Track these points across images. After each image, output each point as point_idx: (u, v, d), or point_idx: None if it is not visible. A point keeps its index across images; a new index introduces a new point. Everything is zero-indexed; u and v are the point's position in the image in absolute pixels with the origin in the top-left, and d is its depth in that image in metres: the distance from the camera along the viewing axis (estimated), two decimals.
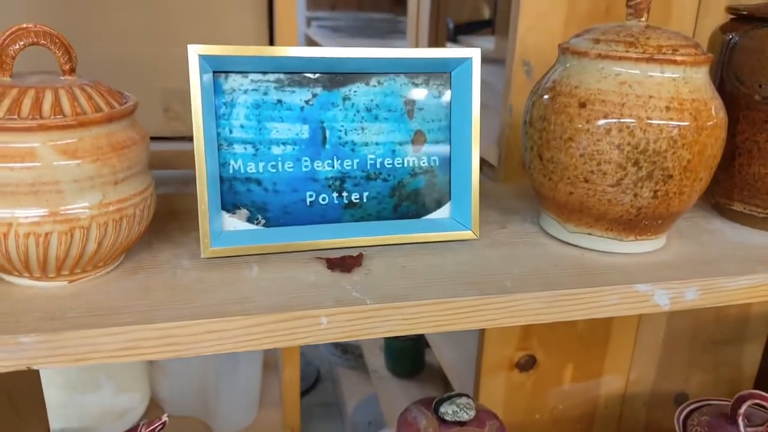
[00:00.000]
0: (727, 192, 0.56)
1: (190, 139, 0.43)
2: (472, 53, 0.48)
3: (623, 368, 0.89)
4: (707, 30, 0.68)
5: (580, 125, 0.45)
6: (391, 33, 1.91)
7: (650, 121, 0.44)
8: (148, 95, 0.70)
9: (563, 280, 0.45)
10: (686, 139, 0.44)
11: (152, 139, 0.44)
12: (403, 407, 0.69)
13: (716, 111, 0.46)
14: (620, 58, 0.45)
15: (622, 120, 0.44)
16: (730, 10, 0.55)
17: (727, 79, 0.54)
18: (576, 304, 0.44)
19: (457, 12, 1.57)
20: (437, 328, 0.42)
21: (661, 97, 0.44)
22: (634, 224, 0.48)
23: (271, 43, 0.71)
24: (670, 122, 0.44)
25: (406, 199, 0.50)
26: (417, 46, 1.58)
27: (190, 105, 0.43)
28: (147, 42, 0.69)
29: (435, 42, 1.54)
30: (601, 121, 0.45)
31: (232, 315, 0.38)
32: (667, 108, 0.44)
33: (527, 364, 0.85)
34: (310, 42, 2.15)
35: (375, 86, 0.48)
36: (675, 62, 0.44)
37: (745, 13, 0.53)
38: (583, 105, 0.45)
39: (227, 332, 0.38)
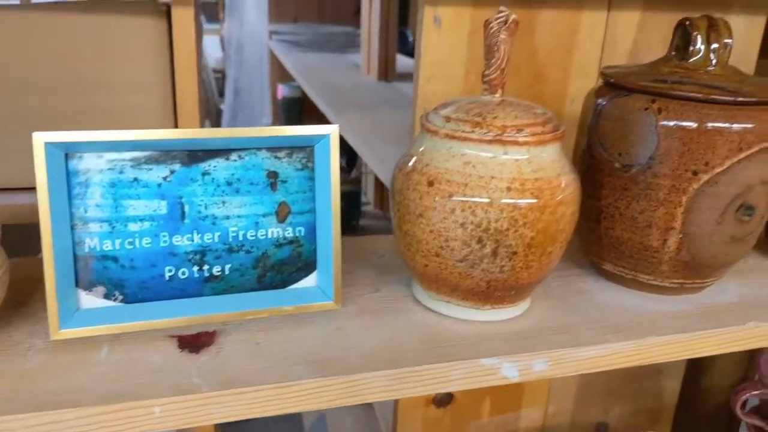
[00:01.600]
0: (597, 252, 0.57)
1: None
2: (331, 129, 0.49)
3: (541, 401, 0.91)
4: None
5: (428, 203, 0.46)
6: (350, 47, 1.92)
7: (492, 201, 0.45)
8: None
9: (412, 355, 0.46)
10: (528, 218, 0.45)
11: None
12: None
13: (564, 186, 0.47)
14: (465, 139, 0.46)
15: (465, 200, 0.45)
16: (602, 74, 0.56)
17: (593, 144, 0.55)
18: (421, 381, 0.45)
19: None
20: (278, 411, 0.43)
21: (502, 177, 0.45)
22: (488, 295, 0.49)
23: (174, 87, 0.72)
24: (511, 202, 0.45)
25: (270, 270, 0.51)
26: (369, 59, 1.59)
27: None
28: (47, 93, 0.69)
29: (386, 54, 1.54)
30: (447, 200, 0.46)
31: (65, 407, 0.39)
32: (508, 188, 0.45)
33: (444, 400, 0.86)
34: (273, 56, 2.16)
35: (236, 161, 0.49)
36: (518, 143, 0.45)
37: (612, 80, 0.54)
38: (431, 183, 0.46)
39: (59, 424, 0.39)
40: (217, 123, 2.88)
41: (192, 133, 0.47)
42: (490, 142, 0.45)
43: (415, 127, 0.73)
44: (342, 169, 1.51)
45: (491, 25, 0.48)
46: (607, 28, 0.76)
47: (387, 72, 1.53)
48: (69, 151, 0.45)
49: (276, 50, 2.00)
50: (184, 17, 0.69)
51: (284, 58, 1.85)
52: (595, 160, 0.54)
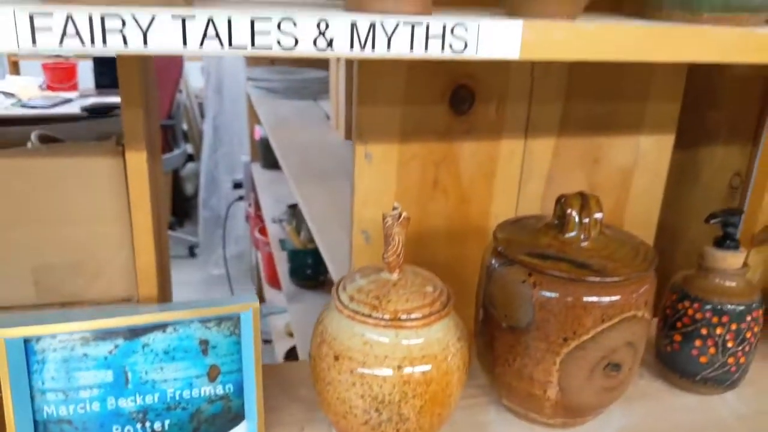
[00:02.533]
0: (497, 389, 0.65)
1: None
2: (253, 305, 0.57)
3: None
4: None
5: (334, 375, 0.55)
6: (324, 93, 1.99)
7: (386, 377, 0.53)
8: (20, 272, 0.78)
9: None
10: (417, 390, 0.54)
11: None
12: None
13: (451, 358, 0.55)
14: (364, 322, 0.54)
15: (364, 375, 0.53)
16: (494, 236, 0.64)
17: (486, 302, 0.63)
18: None
19: None
20: None
21: (395, 356, 0.53)
22: None
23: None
24: (403, 376, 0.53)
25: (204, 423, 0.59)
26: (337, 114, 1.66)
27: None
28: (13, 226, 0.77)
29: (350, 114, 1.62)
30: (349, 375, 0.54)
31: None
32: (399, 366, 0.53)
33: None
34: (249, 101, 2.23)
35: (171, 333, 0.57)
36: (408, 327, 0.54)
37: (499, 248, 0.62)
38: (336, 358, 0.55)
39: None
40: (198, 146, 2.95)
41: (133, 320, 0.55)
42: (384, 326, 0.53)
43: (354, 244, 0.81)
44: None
45: (387, 219, 0.56)
46: (525, 153, 0.84)
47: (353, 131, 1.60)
48: (27, 335, 0.53)
49: (253, 96, 2.07)
50: (136, 158, 0.77)
51: (258, 106, 1.93)
52: (488, 315, 0.62)
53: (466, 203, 0.84)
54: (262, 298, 2.25)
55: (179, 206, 3.07)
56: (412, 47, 0.42)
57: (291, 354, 1.62)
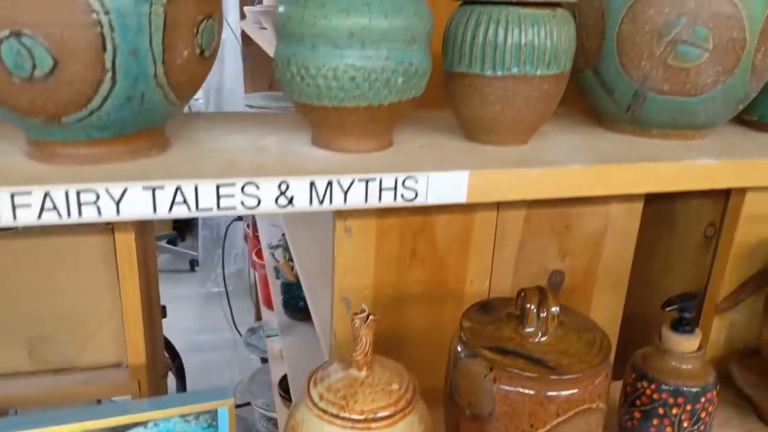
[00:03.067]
0: None
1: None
2: (229, 402, 0.61)
3: None
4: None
5: None
6: None
7: None
8: (15, 341, 0.82)
9: None
10: None
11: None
12: None
13: None
14: (332, 422, 0.58)
15: None
16: (461, 324, 0.68)
17: (452, 389, 0.67)
18: None
19: None
20: None
21: None
22: None
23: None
24: None
25: None
26: None
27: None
28: (12, 299, 0.81)
29: None
30: None
31: None
32: None
33: None
34: None
35: (152, 428, 0.61)
36: (373, 428, 0.57)
37: (464, 338, 0.66)
38: None
39: None
40: None
41: (115, 421, 0.59)
42: (351, 427, 0.57)
43: (335, 311, 0.85)
44: None
45: (355, 321, 0.59)
46: (497, 222, 0.87)
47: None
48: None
49: None
50: (125, 237, 0.81)
51: None
52: (453, 403, 0.66)
53: (443, 269, 0.87)
54: (259, 317, 2.30)
55: (181, 221, 3.11)
56: (366, 199, 0.46)
57: (283, 381, 1.66)
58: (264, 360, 1.97)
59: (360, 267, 0.84)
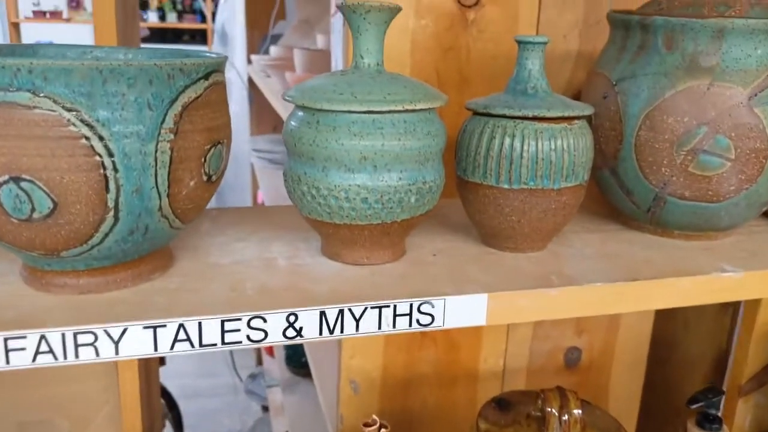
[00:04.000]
0: None
1: None
2: None
3: None
4: None
5: None
6: None
7: None
8: (6, 428, 0.80)
9: None
10: None
11: None
12: None
13: None
14: None
15: None
16: (477, 425, 0.65)
17: None
18: None
19: None
20: None
21: None
22: None
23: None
24: None
25: None
26: None
27: None
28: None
29: None
30: None
31: None
32: None
33: None
34: (252, 172, 2.26)
35: None
36: None
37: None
38: None
39: None
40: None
41: None
42: None
43: (341, 393, 0.82)
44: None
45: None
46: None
47: None
48: None
49: (256, 167, 2.10)
50: None
51: (261, 177, 1.95)
52: None
53: (455, 350, 0.85)
54: (260, 360, 2.26)
55: None
56: (380, 327, 0.43)
57: None
58: (265, 408, 1.93)
59: (368, 348, 0.81)
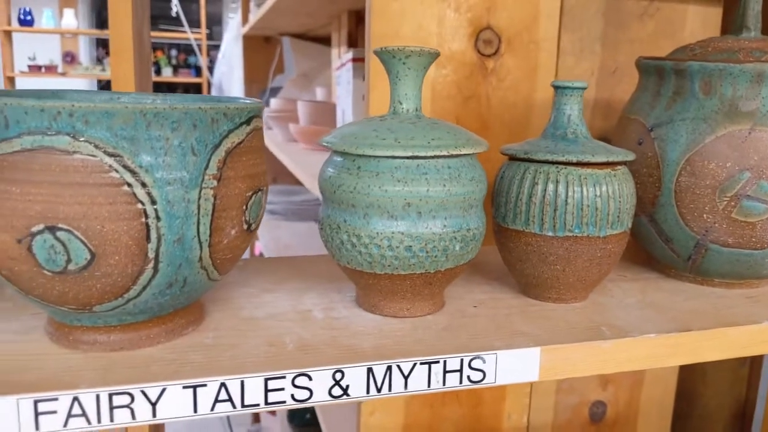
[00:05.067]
0: None
1: None
2: None
3: None
4: None
5: None
6: None
7: None
8: None
9: None
10: None
11: None
12: None
13: None
14: None
15: None
16: None
17: None
18: None
19: None
20: None
21: None
22: None
23: None
24: None
25: None
26: None
27: None
28: None
29: None
30: None
31: None
32: None
33: None
34: None
35: None
36: None
37: None
38: None
39: None
40: None
41: None
42: None
43: None
44: None
45: None
46: None
47: None
48: None
49: None
50: None
51: (260, 229, 1.93)
52: None
53: (479, 405, 0.82)
54: (257, 417, 2.19)
55: None
56: (429, 384, 0.41)
57: None
58: None
59: (389, 403, 0.78)
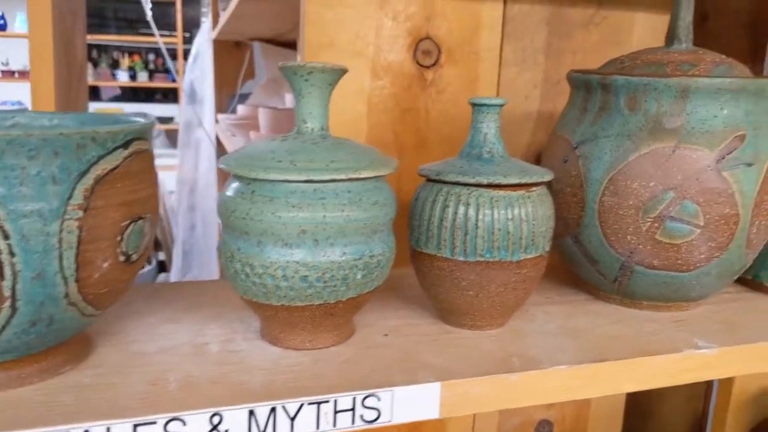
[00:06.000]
0: None
1: None
2: None
3: None
4: None
5: None
6: None
7: None
8: None
9: None
10: None
11: None
12: None
13: None
14: None
15: None
16: None
17: None
18: None
19: None
20: None
21: None
22: None
23: None
24: None
25: None
26: None
27: None
28: None
29: None
30: None
31: None
32: None
33: None
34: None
35: None
36: None
37: None
38: None
39: None
40: (171, 255, 2.89)
41: None
42: None
43: None
44: None
45: None
46: None
47: None
48: None
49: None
50: None
51: None
52: None
53: (420, 428, 0.79)
54: None
55: None
56: (318, 425, 0.39)
57: None
58: None
59: None
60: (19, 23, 4.57)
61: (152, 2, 4.21)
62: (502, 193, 0.46)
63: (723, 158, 0.48)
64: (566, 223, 0.54)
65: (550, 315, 0.53)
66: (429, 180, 0.49)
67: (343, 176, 0.40)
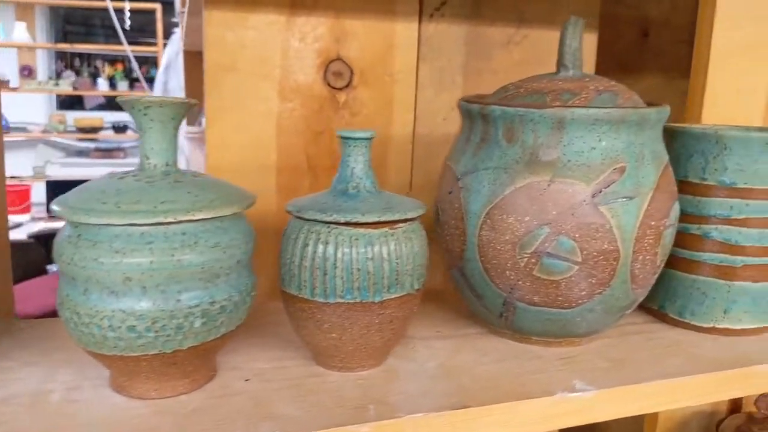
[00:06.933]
0: None
1: None
2: None
3: None
4: None
5: None
6: None
7: None
8: None
9: None
10: None
11: None
12: None
13: None
14: None
15: None
16: None
17: None
18: None
19: None
20: None
21: None
22: None
23: None
24: None
25: None
26: None
27: None
28: None
29: None
30: None
31: None
32: None
33: None
34: None
35: None
36: None
37: None
38: None
39: None
40: None
41: None
42: None
43: None
44: None
45: None
46: None
47: None
48: None
49: None
50: None
51: None
52: None
53: None
54: None
55: None
56: None
57: None
58: None
59: None
60: None
61: (135, 11, 4.19)
62: (362, 231, 0.43)
63: (600, 192, 0.46)
64: (452, 255, 0.52)
65: (434, 352, 0.51)
66: (293, 216, 0.46)
67: (171, 219, 0.38)
